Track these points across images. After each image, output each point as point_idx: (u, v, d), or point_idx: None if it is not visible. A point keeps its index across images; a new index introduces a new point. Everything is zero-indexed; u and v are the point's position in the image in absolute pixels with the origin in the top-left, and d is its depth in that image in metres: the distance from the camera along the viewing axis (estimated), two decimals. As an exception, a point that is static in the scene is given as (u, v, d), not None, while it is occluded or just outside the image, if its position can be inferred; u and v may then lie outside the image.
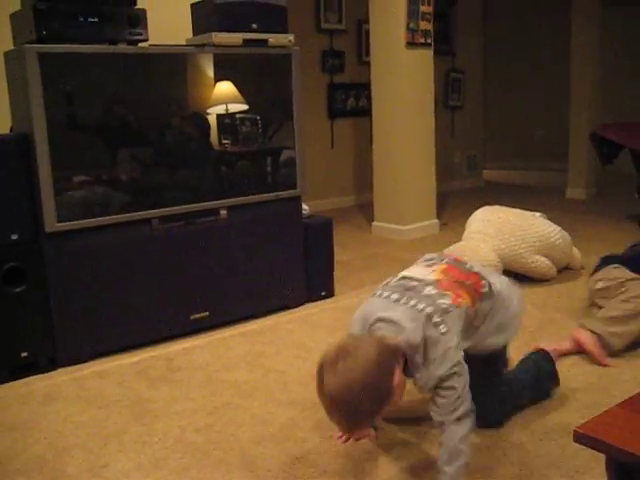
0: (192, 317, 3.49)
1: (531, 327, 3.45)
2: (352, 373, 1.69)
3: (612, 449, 1.26)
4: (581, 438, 1.31)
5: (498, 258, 4.04)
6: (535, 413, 2.54)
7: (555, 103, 8.91)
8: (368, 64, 5.80)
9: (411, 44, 5.43)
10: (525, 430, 2.42)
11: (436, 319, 1.91)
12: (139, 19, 3.21)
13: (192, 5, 3.63)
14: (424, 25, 5.52)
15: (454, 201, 7.36)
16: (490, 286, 2.19)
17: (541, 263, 4.10)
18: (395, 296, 2.04)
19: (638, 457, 1.22)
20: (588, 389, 2.71)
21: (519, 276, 4.13)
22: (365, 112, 6.36)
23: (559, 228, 4.21)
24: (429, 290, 2.03)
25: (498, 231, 4.08)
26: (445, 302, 1.98)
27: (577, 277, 4.29)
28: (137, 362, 3.21)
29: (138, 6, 3.27)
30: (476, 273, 2.21)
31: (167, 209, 3.37)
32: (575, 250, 4.43)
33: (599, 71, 7.23)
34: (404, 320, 1.91)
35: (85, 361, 3.21)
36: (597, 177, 7.39)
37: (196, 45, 3.48)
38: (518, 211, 4.29)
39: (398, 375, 1.81)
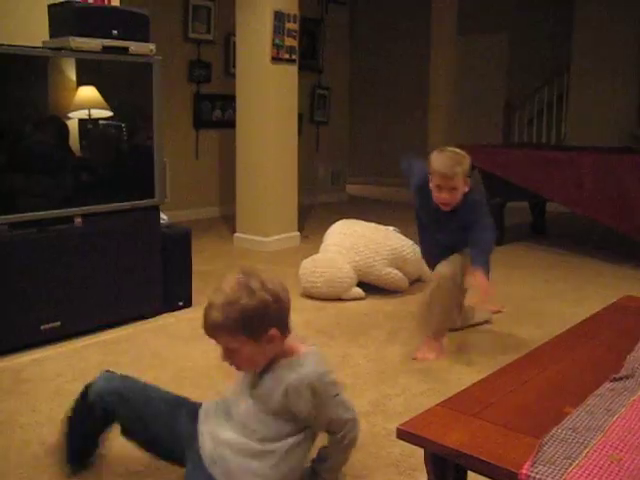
0: (43, 327, 3.38)
1: (381, 336, 3.61)
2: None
3: (427, 443, 1.38)
4: (402, 434, 1.42)
5: (353, 270, 4.19)
6: (380, 417, 2.67)
7: (416, 124, 9.33)
8: (235, 76, 5.85)
9: (276, 59, 5.55)
10: (369, 433, 2.53)
11: None
12: (-11, 18, 3.10)
13: (49, 7, 3.54)
14: (289, 41, 5.66)
15: (317, 214, 7.54)
16: None
17: (394, 275, 4.29)
18: None
19: (449, 448, 1.34)
20: (430, 394, 2.87)
21: (373, 287, 4.32)
22: (231, 124, 6.39)
23: (411, 242, 4.42)
24: None
25: (353, 244, 4.24)
26: None
27: (426, 288, 4.52)
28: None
29: (-11, 5, 3.16)
30: None
31: (18, 215, 3.26)
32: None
33: (455, 94, 7.67)
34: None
35: None
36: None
37: (52, 48, 3.40)
38: (373, 225, 4.47)
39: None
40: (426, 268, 4.63)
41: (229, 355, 1.85)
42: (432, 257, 3.49)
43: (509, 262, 5.32)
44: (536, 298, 4.35)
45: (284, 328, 1.87)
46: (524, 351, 2.08)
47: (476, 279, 3.02)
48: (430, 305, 3.27)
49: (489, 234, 3.21)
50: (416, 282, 4.59)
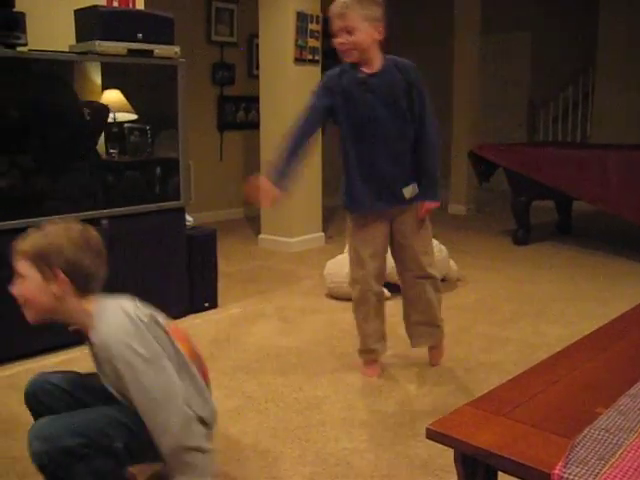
0: (70, 328, 3.41)
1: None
2: None
3: (457, 443, 1.37)
4: (432, 435, 1.41)
5: (378, 270, 4.17)
6: (407, 417, 2.66)
7: (439, 120, 9.28)
8: (258, 77, 5.87)
9: (299, 60, 5.56)
10: (396, 433, 2.53)
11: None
12: (17, 22, 3.14)
13: (76, 12, 3.58)
14: (312, 42, 5.66)
15: (341, 215, 7.50)
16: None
17: (419, 275, 4.26)
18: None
19: (480, 449, 1.33)
20: (458, 395, 2.86)
21: (399, 287, 4.30)
22: (255, 125, 6.42)
23: (436, 242, 4.40)
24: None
25: (378, 244, 4.22)
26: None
27: (453, 288, 4.50)
28: (9, 375, 3.11)
29: (17, 9, 3.20)
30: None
31: (45, 218, 3.28)
32: (452, 263, 4.64)
33: (479, 95, 7.63)
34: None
35: (-47, 375, 3.09)
36: (476, 194, 7.77)
37: (78, 52, 3.43)
38: (398, 225, 4.45)
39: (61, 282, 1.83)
40: (453, 267, 4.63)
41: (17, 283, 1.88)
42: (368, 188, 2.88)
43: (535, 261, 5.28)
44: (562, 298, 4.30)
45: (80, 283, 1.85)
46: (551, 351, 2.05)
47: (426, 211, 2.89)
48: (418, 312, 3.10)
49: (434, 149, 2.88)
50: (441, 281, 4.56)
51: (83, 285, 1.86)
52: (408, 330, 3.17)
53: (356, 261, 3.00)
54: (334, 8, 2.68)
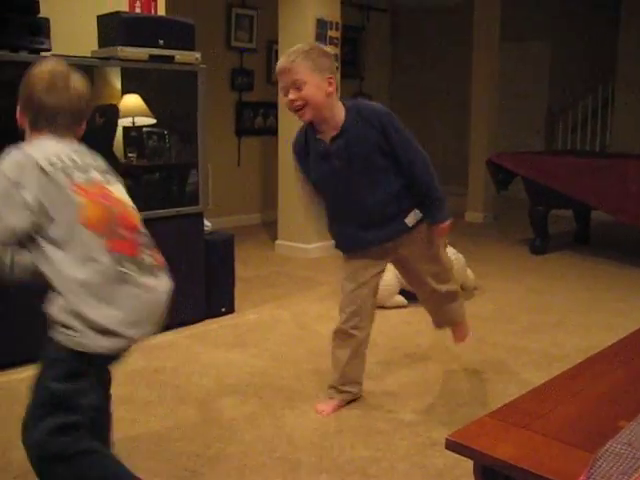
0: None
1: (424, 344, 3.59)
2: None
3: (477, 454, 1.36)
4: (451, 445, 1.40)
5: (395, 278, 4.16)
6: (423, 427, 2.64)
7: (457, 131, 9.27)
8: (277, 83, 5.87)
9: (318, 67, 5.56)
10: (412, 442, 2.52)
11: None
12: (41, 28, 3.17)
13: (99, 17, 3.61)
14: (331, 49, 5.65)
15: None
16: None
17: (436, 283, 4.25)
18: None
19: (500, 461, 1.32)
20: (474, 405, 2.84)
21: (415, 295, 4.29)
22: (273, 131, 6.44)
23: (453, 250, 4.39)
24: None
25: (396, 251, 4.21)
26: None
27: (470, 297, 4.48)
28: (27, 378, 3.12)
29: (42, 15, 3.23)
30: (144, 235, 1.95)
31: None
32: (469, 271, 4.62)
33: (497, 101, 7.61)
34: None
35: (-27, 376, 3.11)
36: (494, 202, 7.73)
37: (101, 58, 3.46)
38: (415, 233, 4.44)
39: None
40: (470, 275, 4.61)
41: None
42: (348, 234, 2.73)
43: (553, 271, 5.25)
44: (581, 308, 4.27)
45: (31, 116, 1.83)
46: (570, 362, 2.04)
47: (442, 231, 2.74)
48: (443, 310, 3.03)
49: (426, 174, 2.64)
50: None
51: (33, 118, 1.83)
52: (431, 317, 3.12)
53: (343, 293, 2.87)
54: (280, 64, 2.51)
